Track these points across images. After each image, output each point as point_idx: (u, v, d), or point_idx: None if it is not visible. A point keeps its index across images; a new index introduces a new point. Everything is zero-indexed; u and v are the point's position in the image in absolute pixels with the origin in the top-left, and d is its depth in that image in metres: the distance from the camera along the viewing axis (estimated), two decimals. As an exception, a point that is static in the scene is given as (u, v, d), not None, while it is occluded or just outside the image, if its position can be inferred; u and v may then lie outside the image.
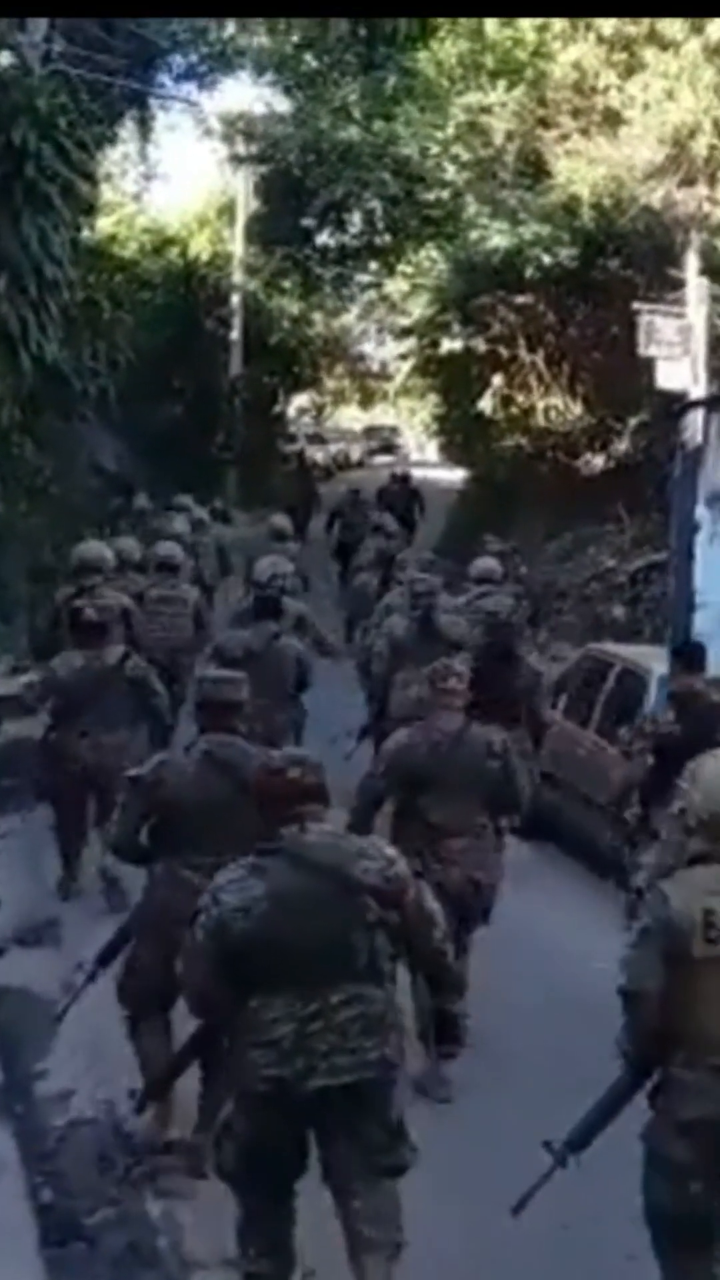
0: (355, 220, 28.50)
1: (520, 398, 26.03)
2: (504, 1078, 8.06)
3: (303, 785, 5.58)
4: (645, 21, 21.03)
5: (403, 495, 27.74)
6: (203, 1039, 6.03)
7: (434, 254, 25.23)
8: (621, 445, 25.04)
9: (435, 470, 33.66)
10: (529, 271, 22.79)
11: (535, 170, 23.47)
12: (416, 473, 31.71)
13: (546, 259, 22.46)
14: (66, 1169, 6.87)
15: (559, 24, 22.13)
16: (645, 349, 18.81)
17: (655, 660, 12.06)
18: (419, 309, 26.39)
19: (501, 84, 23.42)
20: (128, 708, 10.59)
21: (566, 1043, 8.14)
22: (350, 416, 55.79)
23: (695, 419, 14.41)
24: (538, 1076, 7.99)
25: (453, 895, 7.76)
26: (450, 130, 23.72)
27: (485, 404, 26.09)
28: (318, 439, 47.65)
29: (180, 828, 6.92)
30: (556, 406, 25.82)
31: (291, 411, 45.71)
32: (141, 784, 7.11)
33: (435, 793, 8.30)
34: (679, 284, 19.60)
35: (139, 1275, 6.09)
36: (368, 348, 42.96)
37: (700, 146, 20.83)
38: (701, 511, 13.57)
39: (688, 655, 10.08)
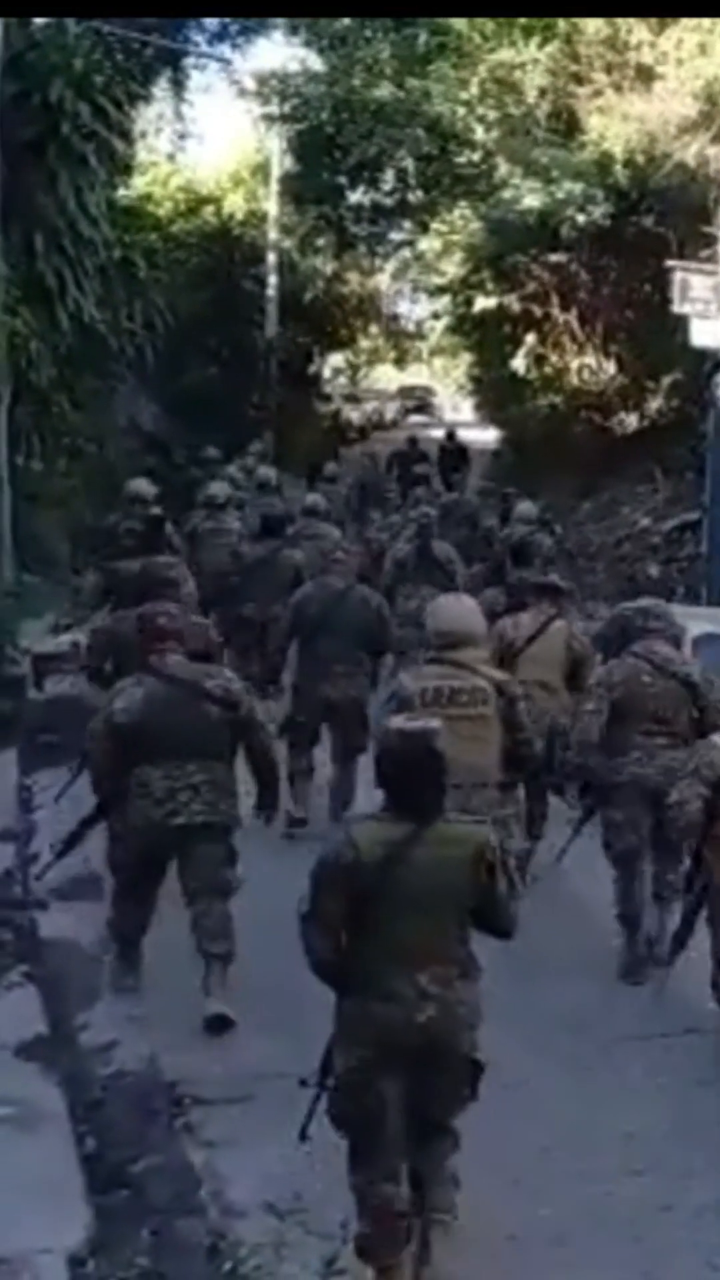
0: (388, 178, 28.53)
1: (554, 357, 26.10)
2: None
3: (164, 629, 8.26)
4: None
5: (451, 453, 28.72)
6: (103, 808, 8.54)
7: (467, 212, 25.26)
8: (655, 404, 25.11)
9: (469, 430, 33.68)
10: (562, 230, 22.84)
11: (568, 127, 23.52)
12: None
13: (580, 217, 22.49)
14: (110, 1119, 7.00)
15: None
16: (679, 306, 18.91)
17: (690, 619, 12.12)
18: (453, 268, 26.46)
19: (534, 40, 23.45)
20: None
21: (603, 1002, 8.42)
22: (385, 376, 55.72)
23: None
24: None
25: (338, 708, 10.96)
26: (480, 87, 23.74)
27: (519, 363, 26.15)
28: (353, 399, 47.67)
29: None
30: (590, 365, 25.89)
31: (327, 371, 45.70)
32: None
33: (325, 633, 10.99)
34: (712, 240, 19.68)
35: (182, 1223, 6.18)
36: (402, 307, 42.90)
37: (733, 102, 20.86)
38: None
39: None
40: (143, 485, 14.79)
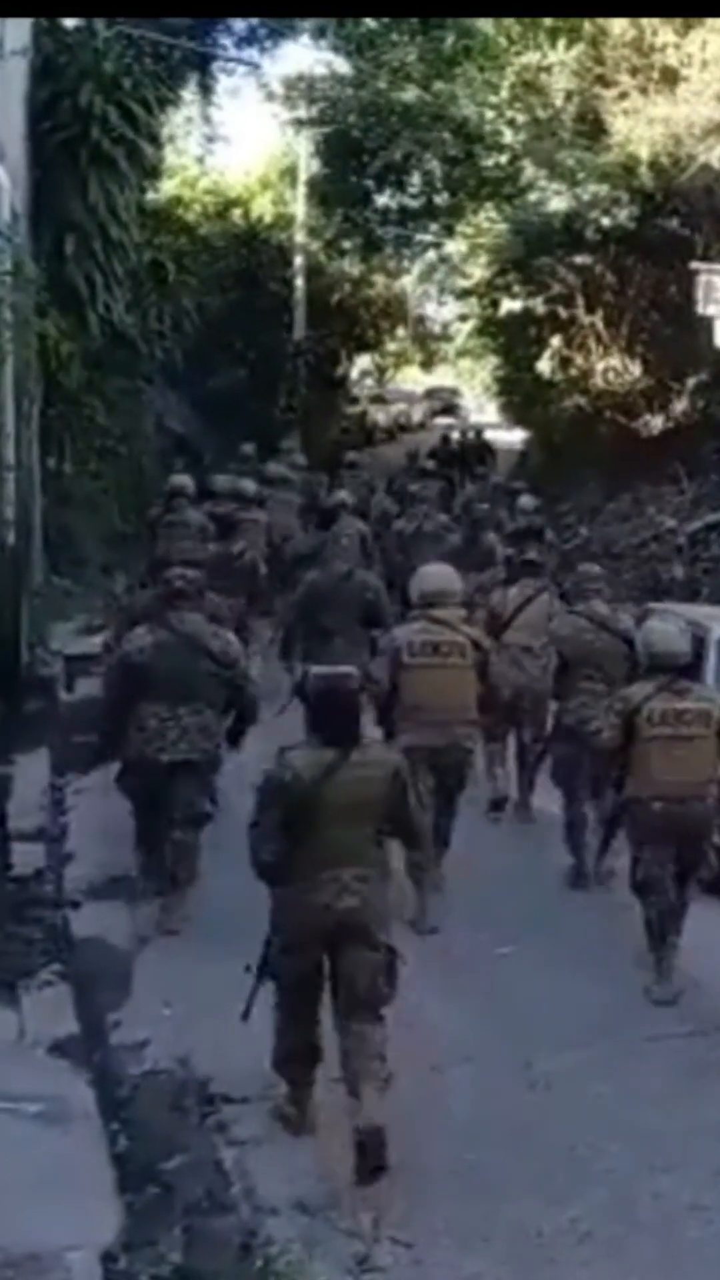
0: (415, 181, 28.62)
1: (579, 358, 26.07)
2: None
3: (181, 590, 9.63)
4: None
5: (475, 448, 29.43)
6: (110, 740, 9.67)
7: (493, 215, 25.30)
8: (680, 405, 25.06)
9: (495, 431, 33.74)
10: (588, 232, 22.86)
11: (593, 130, 23.52)
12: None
13: (605, 220, 22.52)
14: (142, 1117, 7.07)
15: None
16: (704, 308, 18.92)
17: (716, 620, 12.15)
18: (479, 270, 26.49)
19: (560, 43, 23.48)
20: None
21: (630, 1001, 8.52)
22: (412, 378, 55.76)
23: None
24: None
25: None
26: (508, 90, 23.79)
27: (544, 365, 26.13)
28: (379, 400, 47.71)
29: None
30: (615, 367, 25.85)
31: (354, 373, 45.75)
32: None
33: (329, 610, 12.14)
34: (737, 242, 19.69)
35: (213, 1221, 6.25)
36: (429, 309, 42.95)
37: (759, 104, 20.87)
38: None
39: None
40: (185, 480, 16.53)
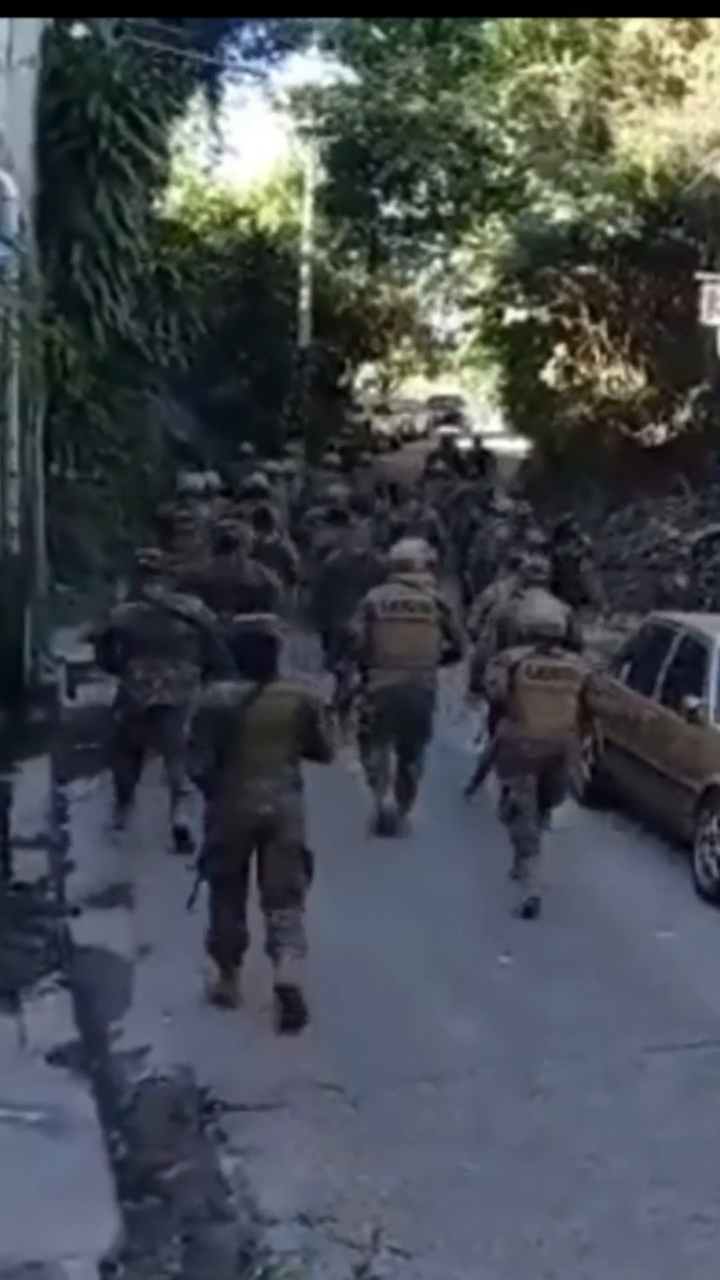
0: (421, 191, 28.67)
1: (583, 368, 26.15)
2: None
3: (149, 568, 11.49)
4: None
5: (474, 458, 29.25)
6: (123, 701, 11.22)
7: (498, 225, 25.39)
8: (683, 415, 25.13)
9: (499, 440, 33.79)
10: (593, 242, 22.91)
11: (599, 141, 23.57)
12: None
13: (610, 230, 22.57)
14: (142, 1125, 7.07)
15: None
16: (708, 318, 18.96)
17: (718, 629, 12.19)
18: (484, 280, 26.58)
19: (566, 54, 23.53)
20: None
21: (627, 1014, 8.50)
22: (416, 388, 55.82)
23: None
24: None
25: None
26: (513, 101, 23.85)
27: (548, 374, 26.21)
28: (383, 409, 47.77)
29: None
30: (619, 377, 25.92)
31: (358, 382, 45.82)
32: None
33: (348, 586, 13.22)
34: (742, 253, 19.72)
35: (212, 1230, 6.25)
36: (434, 319, 42.90)
37: (764, 116, 20.91)
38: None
39: None
40: (197, 479, 18.18)
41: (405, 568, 12.08)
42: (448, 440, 32.88)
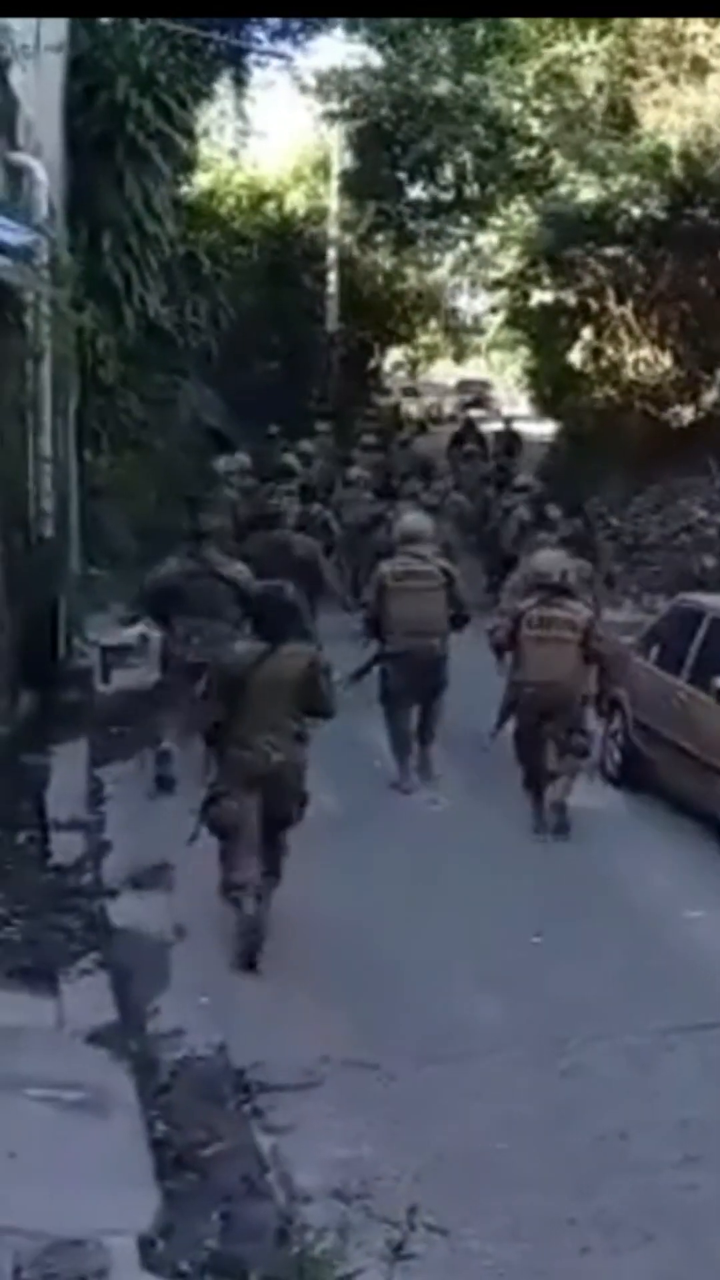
0: (447, 173, 28.55)
1: (610, 350, 26.10)
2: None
3: (201, 530, 12.13)
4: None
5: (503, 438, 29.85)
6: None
7: (524, 207, 25.33)
8: (710, 396, 25.08)
9: (526, 424, 33.73)
10: (619, 223, 22.85)
11: (624, 121, 23.52)
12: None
13: (636, 210, 22.51)
14: (180, 1104, 7.11)
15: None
16: (734, 299, 18.89)
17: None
18: (510, 262, 26.52)
19: (591, 34, 23.47)
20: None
21: (656, 992, 8.54)
22: (444, 371, 55.70)
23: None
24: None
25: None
26: (538, 82, 23.80)
27: (575, 356, 26.18)
28: (412, 393, 47.71)
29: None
30: (646, 358, 25.86)
31: (386, 366, 45.76)
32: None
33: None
34: (768, 233, 19.64)
35: (249, 1207, 6.30)
36: (460, 302, 42.79)
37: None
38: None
39: None
40: (231, 462, 19.38)
41: (412, 540, 12.84)
42: (470, 422, 33.09)
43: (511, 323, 30.54)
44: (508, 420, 32.59)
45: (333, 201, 34.53)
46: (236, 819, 8.81)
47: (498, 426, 32.69)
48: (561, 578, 11.93)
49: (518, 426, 31.60)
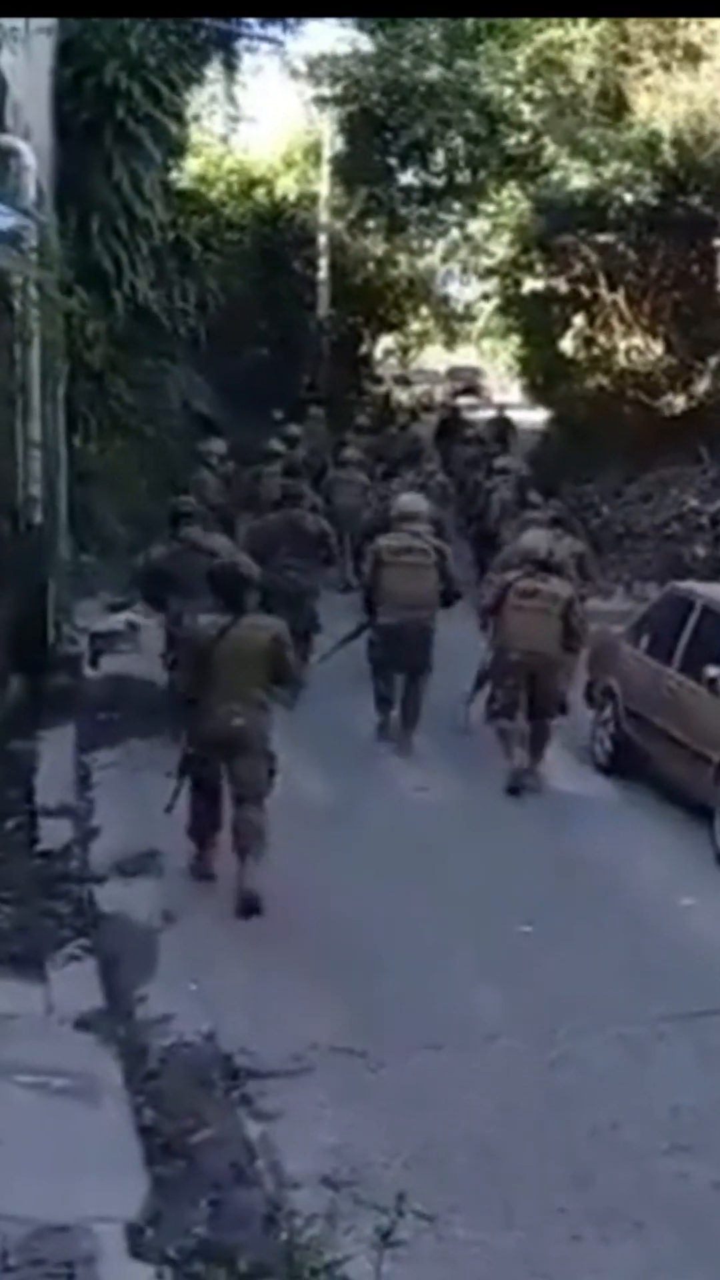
0: (438, 159, 28.45)
1: (602, 338, 26.02)
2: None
3: (182, 511, 12.69)
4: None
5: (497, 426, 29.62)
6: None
7: (516, 193, 25.26)
8: (703, 384, 25.00)
9: (518, 411, 33.69)
10: (610, 210, 22.80)
11: (616, 107, 23.45)
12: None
13: (628, 197, 22.46)
14: (168, 1091, 7.12)
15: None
16: (727, 286, 18.85)
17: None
18: (501, 249, 26.47)
19: (583, 19, 23.39)
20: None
21: (648, 980, 8.54)
22: (435, 358, 55.56)
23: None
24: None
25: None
26: (529, 68, 23.73)
27: (567, 344, 26.09)
28: (403, 380, 47.59)
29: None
30: (638, 346, 25.79)
31: (377, 353, 45.66)
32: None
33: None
34: (761, 220, 19.59)
35: (238, 1194, 6.31)
36: (452, 288, 42.61)
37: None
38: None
39: None
40: (218, 444, 19.08)
41: (409, 518, 13.47)
42: (456, 410, 33.47)
43: (503, 310, 30.49)
44: (501, 408, 32.54)
45: (323, 187, 34.43)
46: (205, 773, 9.52)
47: (490, 414, 32.65)
48: (547, 555, 12.69)
49: (509, 414, 31.56)
